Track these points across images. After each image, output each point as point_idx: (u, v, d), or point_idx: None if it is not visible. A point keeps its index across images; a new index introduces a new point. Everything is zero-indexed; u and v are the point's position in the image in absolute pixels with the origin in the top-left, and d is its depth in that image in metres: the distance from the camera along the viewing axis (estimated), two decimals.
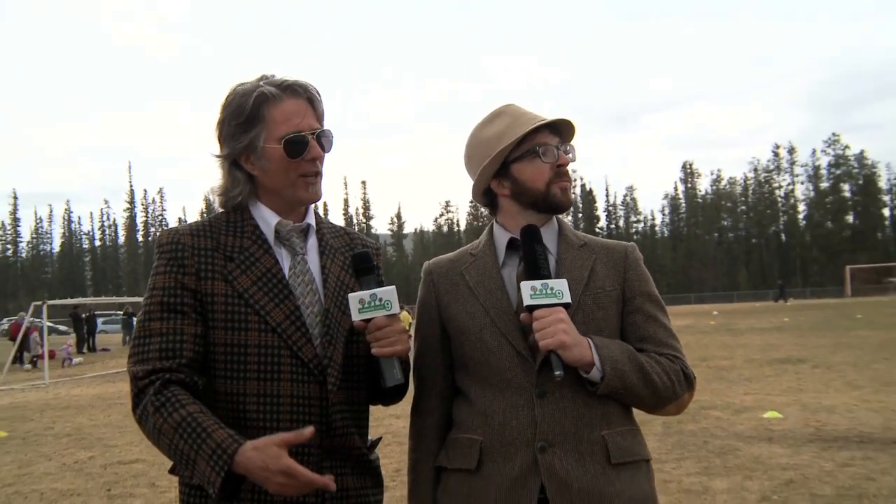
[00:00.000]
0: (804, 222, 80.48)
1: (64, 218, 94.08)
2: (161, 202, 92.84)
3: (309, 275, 1.47)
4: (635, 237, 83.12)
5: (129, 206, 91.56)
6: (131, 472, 6.06)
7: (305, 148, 1.43)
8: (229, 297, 1.40)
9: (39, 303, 17.65)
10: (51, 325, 28.82)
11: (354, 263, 1.46)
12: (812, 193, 79.77)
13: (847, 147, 78.09)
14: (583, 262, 1.53)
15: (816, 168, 79.30)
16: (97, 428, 8.64)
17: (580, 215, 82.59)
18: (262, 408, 1.38)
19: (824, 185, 78.39)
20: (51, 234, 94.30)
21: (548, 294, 1.39)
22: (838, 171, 77.29)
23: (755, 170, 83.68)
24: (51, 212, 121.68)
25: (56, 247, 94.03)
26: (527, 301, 1.39)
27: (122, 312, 31.75)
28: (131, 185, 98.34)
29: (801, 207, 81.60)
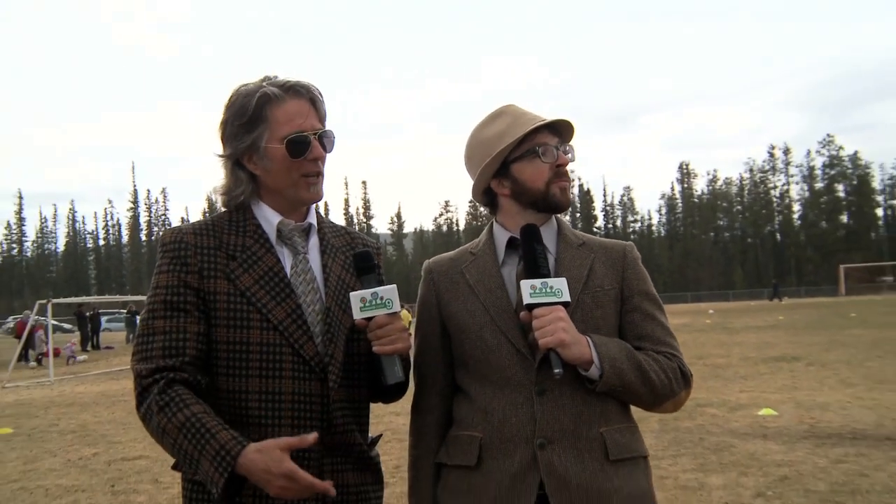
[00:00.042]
0: (799, 222, 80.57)
1: (68, 217, 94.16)
2: (164, 202, 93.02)
3: (310, 273, 1.47)
4: (632, 237, 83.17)
5: (132, 205, 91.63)
6: (135, 469, 6.06)
7: (307, 148, 1.43)
8: (231, 296, 1.40)
9: (44, 301, 17.64)
10: (55, 323, 28.82)
11: (356, 262, 1.46)
12: (807, 193, 79.88)
13: (841, 148, 78.28)
14: (581, 261, 1.53)
15: (811, 168, 79.43)
16: (101, 425, 8.64)
17: (578, 215, 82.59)
18: (264, 405, 1.38)
19: (819, 185, 78.49)
20: (55, 233, 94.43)
21: (547, 293, 1.39)
22: (833, 172, 77.39)
23: (751, 170, 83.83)
24: (55, 211, 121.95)
25: (60, 246, 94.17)
26: (526, 299, 1.39)
27: (125, 311, 31.74)
28: (135, 185, 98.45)
29: (796, 207, 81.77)
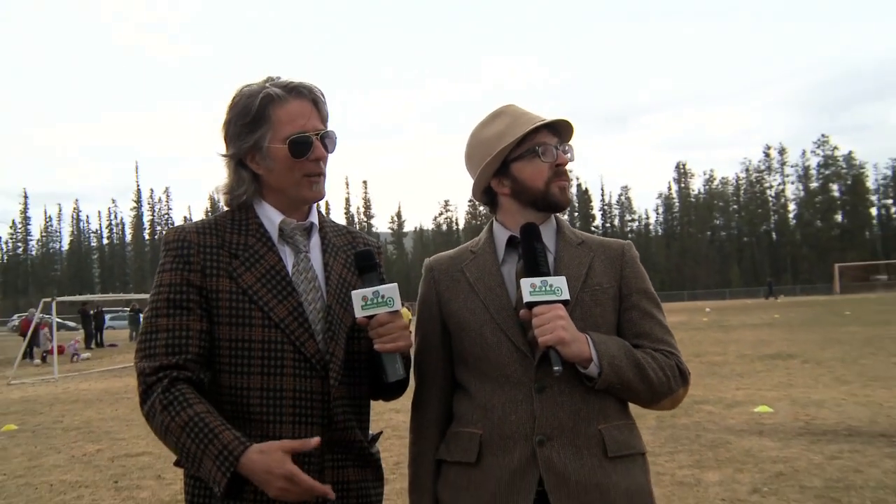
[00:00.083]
0: (794, 221, 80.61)
1: (73, 217, 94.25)
2: (167, 201, 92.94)
3: (312, 272, 1.47)
4: (630, 236, 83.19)
5: (135, 205, 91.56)
6: (138, 465, 6.06)
7: (310, 148, 1.43)
8: (234, 294, 1.40)
9: (49, 299, 17.63)
10: (60, 321, 28.80)
11: (357, 261, 1.46)
12: (802, 193, 79.89)
13: (836, 148, 78.34)
14: (581, 259, 1.52)
15: (806, 168, 79.45)
16: (105, 421, 8.64)
17: (576, 214, 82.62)
18: (266, 402, 1.38)
19: (814, 184, 78.51)
20: (60, 232, 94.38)
21: (547, 291, 1.39)
22: (827, 172, 77.41)
23: (747, 170, 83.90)
24: (60, 211, 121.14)
25: (65, 245, 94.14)
26: (526, 298, 1.39)
27: (129, 309, 31.72)
28: (138, 185, 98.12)
29: (792, 207, 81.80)
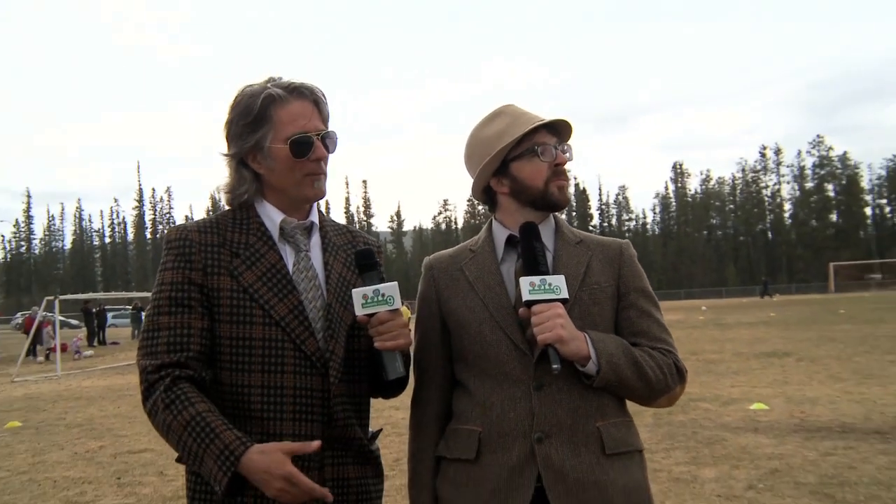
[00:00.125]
0: (790, 221, 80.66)
1: (75, 216, 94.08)
2: (169, 200, 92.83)
3: (312, 271, 1.47)
4: (627, 235, 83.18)
5: (137, 204, 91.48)
6: (140, 461, 6.06)
7: (310, 148, 1.42)
8: (235, 292, 1.40)
9: (52, 298, 17.60)
10: (63, 319, 28.75)
11: (358, 260, 1.46)
12: (797, 193, 80.00)
13: (831, 148, 78.46)
14: (579, 258, 1.52)
15: (801, 168, 79.56)
16: (107, 418, 8.63)
17: (574, 214, 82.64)
18: (266, 399, 1.38)
19: (809, 184, 78.60)
20: (63, 231, 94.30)
21: (546, 290, 1.39)
22: (822, 172, 77.48)
23: (743, 170, 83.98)
24: (62, 210, 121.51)
25: (68, 244, 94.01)
26: (525, 296, 1.38)
27: (131, 307, 31.69)
28: (140, 184, 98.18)
29: (787, 206, 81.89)
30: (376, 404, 1.60)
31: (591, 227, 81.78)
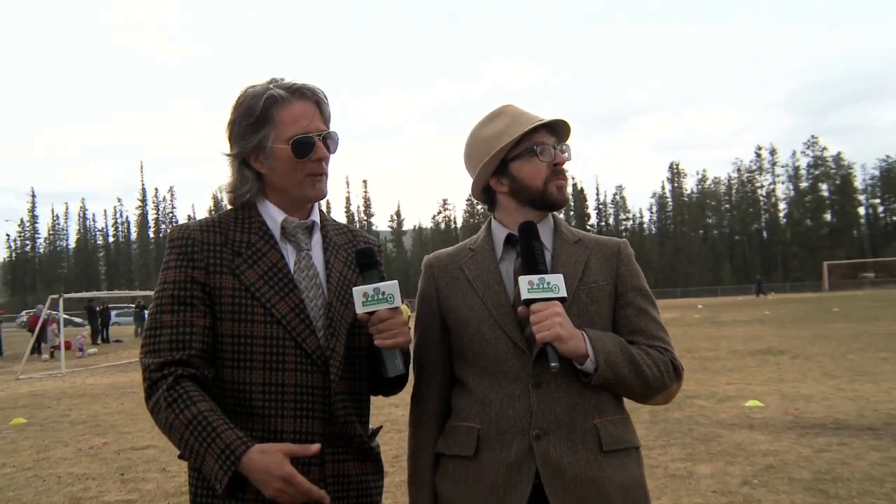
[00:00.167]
0: (784, 220, 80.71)
1: (79, 215, 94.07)
2: (171, 200, 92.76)
3: (313, 269, 1.47)
4: (624, 234, 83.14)
5: (141, 203, 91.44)
6: (143, 458, 6.06)
7: (312, 149, 1.42)
8: (237, 291, 1.39)
9: (56, 296, 17.58)
10: (67, 317, 28.75)
11: (358, 258, 1.46)
12: (792, 192, 79.99)
13: (825, 149, 78.54)
14: (577, 257, 1.52)
15: (796, 168, 79.53)
16: (111, 415, 8.63)
17: (572, 213, 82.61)
18: (268, 396, 1.37)
19: (804, 184, 78.61)
20: (67, 230, 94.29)
21: (544, 288, 1.38)
22: (817, 172, 77.53)
23: (738, 170, 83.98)
24: (67, 209, 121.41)
25: (72, 243, 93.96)
26: (524, 295, 1.38)
27: (134, 305, 31.69)
28: (143, 184, 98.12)
29: (782, 206, 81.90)
30: (376, 401, 1.60)
31: (588, 227, 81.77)
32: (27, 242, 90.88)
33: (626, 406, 1.53)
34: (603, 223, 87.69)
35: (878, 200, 78.81)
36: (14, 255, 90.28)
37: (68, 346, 18.88)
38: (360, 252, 1.46)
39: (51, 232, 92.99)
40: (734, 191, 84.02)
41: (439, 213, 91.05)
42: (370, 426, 1.54)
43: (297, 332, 1.39)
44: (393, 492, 4.30)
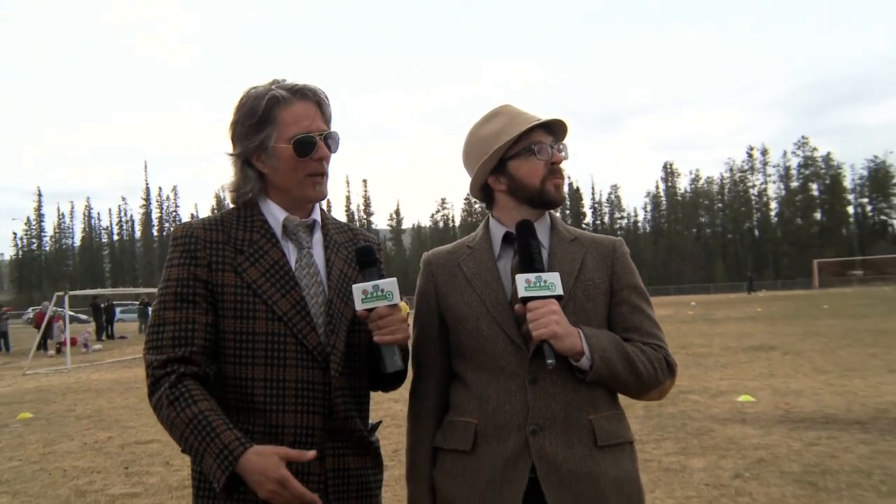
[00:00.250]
0: (776, 219, 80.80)
1: (84, 214, 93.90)
2: (175, 199, 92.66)
3: (314, 267, 1.46)
4: (619, 232, 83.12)
5: (144, 202, 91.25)
6: (147, 452, 6.06)
7: (313, 148, 1.42)
8: (239, 288, 1.39)
9: (62, 293, 17.58)
10: (72, 314, 28.71)
11: (358, 256, 1.45)
12: (783, 192, 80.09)
13: (815, 149, 78.57)
14: (573, 255, 1.52)
15: (787, 168, 79.63)
16: (115, 410, 8.63)
17: (568, 212, 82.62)
18: (269, 392, 1.37)
19: (794, 184, 78.72)
20: (72, 229, 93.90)
21: (541, 287, 1.38)
22: (807, 172, 77.63)
23: (731, 170, 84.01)
24: (72, 208, 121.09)
25: (77, 241, 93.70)
26: (521, 293, 1.38)
27: (138, 302, 31.66)
28: (147, 184, 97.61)
29: (773, 205, 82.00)
30: (376, 397, 1.60)
31: (584, 225, 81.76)
32: (33, 241, 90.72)
33: (620, 401, 1.53)
34: (598, 222, 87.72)
35: (866, 200, 78.90)
36: (21, 253, 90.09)
37: (74, 343, 18.86)
38: (359, 250, 1.46)
39: (56, 230, 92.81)
40: (726, 190, 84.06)
41: (438, 211, 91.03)
42: (370, 421, 1.54)
43: (298, 329, 1.39)
44: (392, 485, 4.30)
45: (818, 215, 77.35)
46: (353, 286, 1.39)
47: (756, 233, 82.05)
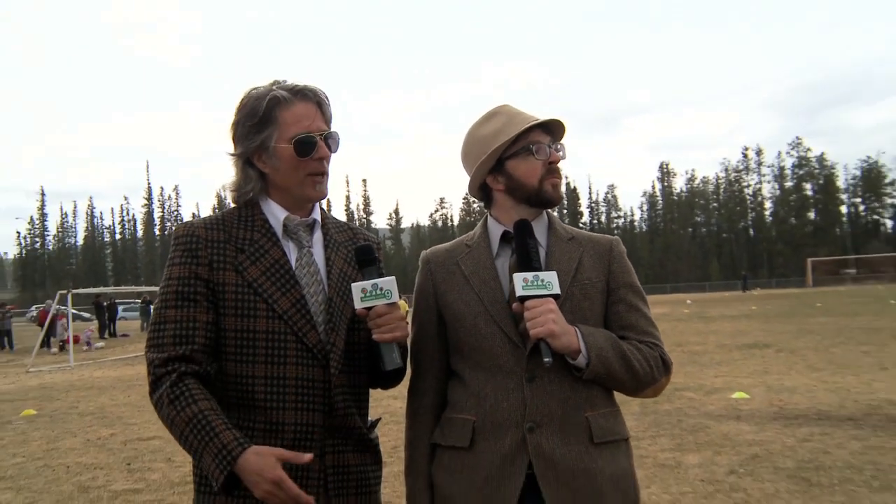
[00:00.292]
0: (770, 218, 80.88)
1: (87, 213, 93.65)
2: (176, 198, 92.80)
3: (314, 266, 1.46)
4: (616, 232, 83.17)
5: (146, 202, 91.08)
6: (149, 448, 6.05)
7: (314, 148, 1.42)
8: (239, 287, 1.39)
9: (65, 292, 17.55)
10: (75, 312, 28.66)
11: (357, 255, 1.45)
12: (777, 192, 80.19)
13: (809, 150, 78.74)
14: (571, 254, 1.51)
15: (781, 168, 79.77)
16: (118, 407, 8.62)
17: (565, 211, 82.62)
18: (269, 389, 1.37)
19: (788, 184, 78.83)
20: (75, 228, 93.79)
21: (539, 285, 1.38)
22: (801, 172, 77.73)
23: (726, 170, 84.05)
24: (75, 207, 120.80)
25: (80, 240, 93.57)
26: (519, 292, 1.38)
27: (140, 301, 31.60)
28: (149, 183, 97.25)
29: (768, 205, 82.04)
30: (375, 394, 1.60)
31: (581, 224, 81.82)
32: (37, 240, 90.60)
33: (616, 399, 1.53)
34: (595, 221, 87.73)
35: (859, 199, 79.01)
36: (24, 251, 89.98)
37: (76, 340, 18.84)
38: (359, 249, 1.46)
39: (60, 229, 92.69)
40: (722, 190, 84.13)
41: (436, 211, 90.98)
42: (369, 418, 1.54)
43: (298, 327, 1.39)
44: (391, 482, 4.30)
45: (812, 215, 77.47)
46: (352, 285, 1.39)
47: (751, 232, 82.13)
